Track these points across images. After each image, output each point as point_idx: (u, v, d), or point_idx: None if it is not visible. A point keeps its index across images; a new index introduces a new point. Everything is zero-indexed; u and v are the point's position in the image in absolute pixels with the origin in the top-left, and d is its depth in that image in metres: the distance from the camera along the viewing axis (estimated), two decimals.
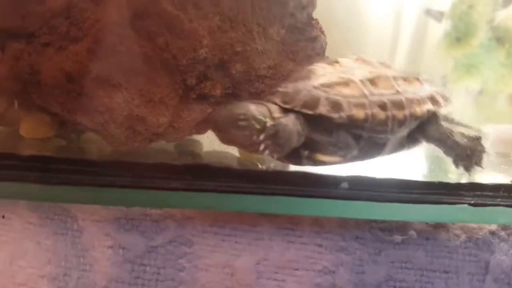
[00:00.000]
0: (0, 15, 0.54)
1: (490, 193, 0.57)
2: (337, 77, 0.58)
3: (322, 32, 0.65)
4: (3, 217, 0.57)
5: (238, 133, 0.53)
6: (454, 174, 0.65)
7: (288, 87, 0.57)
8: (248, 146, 0.55)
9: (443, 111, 0.66)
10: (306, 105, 0.55)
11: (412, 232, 0.57)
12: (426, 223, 0.58)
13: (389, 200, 0.54)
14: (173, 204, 0.55)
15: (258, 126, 0.53)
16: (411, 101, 0.58)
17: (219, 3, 0.56)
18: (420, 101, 0.59)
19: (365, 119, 0.55)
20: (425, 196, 0.55)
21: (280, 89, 0.57)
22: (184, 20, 0.54)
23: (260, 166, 0.67)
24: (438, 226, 0.58)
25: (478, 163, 0.63)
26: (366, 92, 0.57)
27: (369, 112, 0.55)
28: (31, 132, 0.63)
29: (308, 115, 0.55)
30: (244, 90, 0.58)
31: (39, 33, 0.55)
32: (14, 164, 0.53)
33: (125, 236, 0.55)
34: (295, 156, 0.57)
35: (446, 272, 0.58)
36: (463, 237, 0.58)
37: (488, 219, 0.58)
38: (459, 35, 0.96)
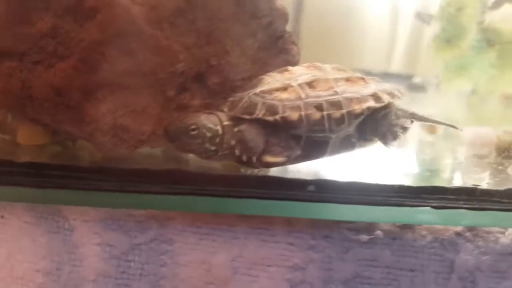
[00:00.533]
0: None
1: (452, 196, 0.59)
2: (278, 83, 0.62)
3: (295, 44, 0.69)
4: (2, 217, 0.61)
5: (191, 142, 0.58)
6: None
7: (236, 96, 0.62)
8: (202, 153, 0.60)
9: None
10: (245, 110, 0.60)
11: (378, 232, 0.60)
12: (393, 224, 0.61)
13: (354, 202, 0.58)
14: (155, 206, 0.59)
15: (209, 134, 0.59)
16: (350, 100, 0.62)
17: (194, 22, 0.61)
18: (360, 100, 0.62)
19: (300, 120, 0.59)
20: (388, 199, 0.58)
21: (230, 98, 0.62)
22: (161, 38, 0.59)
23: (242, 170, 0.71)
24: (405, 227, 0.61)
25: (398, 136, 0.66)
26: (302, 95, 0.60)
27: (303, 113, 0.59)
28: (27, 140, 0.68)
29: (251, 120, 0.59)
30: (221, 100, 0.62)
31: (30, 52, 0.60)
32: (11, 170, 0.58)
33: (112, 234, 0.59)
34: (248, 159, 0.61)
35: (412, 271, 0.60)
36: (429, 237, 0.61)
37: (451, 221, 0.60)
38: (448, 37, 0.97)
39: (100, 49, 0.57)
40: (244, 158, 0.60)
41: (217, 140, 0.60)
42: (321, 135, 0.61)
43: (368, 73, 0.69)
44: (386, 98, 0.64)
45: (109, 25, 0.56)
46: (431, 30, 0.98)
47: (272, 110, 0.59)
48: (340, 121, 0.61)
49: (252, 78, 0.64)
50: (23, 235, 0.61)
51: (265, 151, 0.61)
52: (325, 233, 0.60)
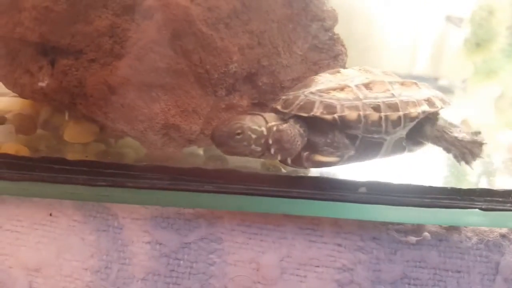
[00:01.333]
0: (52, 33, 0.60)
1: (500, 199, 0.60)
2: (334, 83, 0.62)
3: (343, 45, 0.69)
4: (50, 215, 0.62)
5: (237, 145, 0.58)
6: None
7: (290, 95, 0.62)
8: (248, 154, 0.60)
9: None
10: (302, 108, 0.60)
11: (426, 234, 0.61)
12: (440, 225, 0.62)
13: (404, 204, 0.58)
14: (205, 205, 0.60)
15: (254, 136, 0.59)
16: (406, 103, 0.62)
17: (248, 23, 0.61)
18: (416, 103, 0.63)
19: (358, 120, 0.60)
20: (438, 201, 0.59)
21: (283, 97, 0.62)
22: (217, 39, 0.59)
23: (283, 169, 0.71)
24: (451, 229, 0.62)
25: (479, 154, 0.66)
26: (360, 95, 0.61)
27: (361, 113, 0.59)
28: (74, 137, 0.68)
29: (307, 118, 0.59)
30: (269, 100, 0.62)
31: (86, 50, 0.60)
32: (63, 167, 0.58)
33: (162, 233, 0.60)
34: (296, 158, 0.62)
35: (458, 272, 0.61)
36: (474, 239, 0.62)
37: (498, 223, 0.61)
38: (479, 41, 0.98)
39: (157, 49, 0.57)
40: (279, 157, 0.60)
41: (262, 141, 0.60)
42: (377, 136, 0.61)
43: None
44: (439, 104, 0.65)
45: (167, 25, 0.56)
46: (461, 33, 0.98)
47: (330, 109, 0.59)
48: (397, 123, 0.61)
49: (300, 79, 0.64)
50: (71, 234, 0.61)
51: (316, 151, 0.61)
52: (374, 235, 0.60)
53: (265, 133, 0.59)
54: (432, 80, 1.09)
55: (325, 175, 0.61)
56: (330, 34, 0.67)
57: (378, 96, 0.61)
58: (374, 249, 0.60)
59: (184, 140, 0.64)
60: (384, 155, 0.64)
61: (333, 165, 0.62)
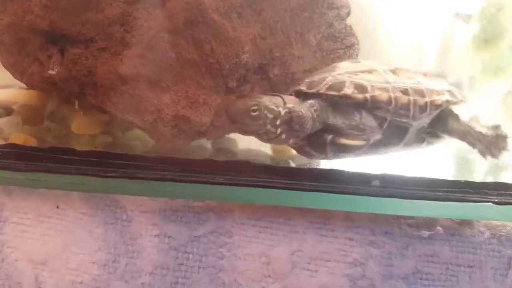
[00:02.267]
0: (62, 21, 0.59)
1: None
2: (360, 67, 0.62)
3: (356, 37, 0.69)
4: (58, 207, 0.61)
5: (252, 123, 0.57)
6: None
7: (314, 77, 0.61)
8: (263, 134, 0.59)
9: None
10: (331, 87, 0.59)
11: (439, 228, 0.60)
12: (452, 219, 0.61)
13: (417, 197, 0.58)
14: (215, 197, 0.59)
15: (270, 116, 0.57)
16: (431, 91, 0.63)
17: (261, 12, 0.60)
18: (439, 92, 0.63)
19: (389, 102, 0.59)
20: (451, 194, 0.58)
21: (307, 80, 0.61)
22: (229, 28, 0.59)
23: (292, 163, 0.70)
24: (464, 223, 0.61)
25: (505, 147, 0.67)
26: (389, 79, 0.61)
27: (392, 95, 0.59)
28: (83, 129, 0.68)
29: (332, 101, 0.59)
30: (281, 92, 0.61)
31: (96, 39, 0.59)
32: (71, 158, 0.58)
33: (171, 226, 0.59)
34: (319, 143, 0.61)
35: (470, 267, 0.60)
36: (487, 233, 0.61)
37: (511, 217, 0.60)
38: (488, 38, 0.97)
39: (168, 38, 0.56)
40: (291, 142, 0.59)
41: (278, 122, 0.58)
42: (405, 120, 0.61)
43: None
44: (459, 96, 0.65)
45: (179, 13, 0.55)
46: (470, 30, 0.98)
47: (361, 88, 0.59)
48: (423, 108, 0.61)
49: (312, 70, 0.63)
50: (78, 226, 0.60)
51: (341, 134, 0.60)
52: (385, 229, 0.60)
53: (282, 114, 0.58)
54: (441, 76, 1.09)
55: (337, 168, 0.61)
56: (345, 23, 0.66)
57: (406, 81, 0.62)
58: (386, 244, 0.60)
59: (194, 132, 0.63)
60: (406, 145, 0.64)
61: (358, 151, 0.61)
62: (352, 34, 0.68)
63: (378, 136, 0.61)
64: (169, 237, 0.59)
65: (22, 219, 0.60)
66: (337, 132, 0.60)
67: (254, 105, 0.57)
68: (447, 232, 0.60)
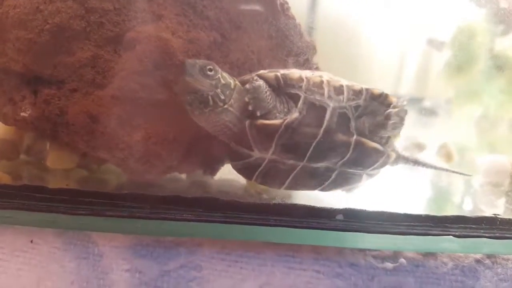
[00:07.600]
0: (35, 64, 0.61)
1: (474, 225, 0.62)
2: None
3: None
4: (32, 241, 0.62)
5: (204, 81, 0.59)
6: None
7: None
8: (210, 99, 0.60)
9: None
10: (259, 75, 0.63)
11: (402, 260, 0.62)
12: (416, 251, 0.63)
13: (380, 231, 0.59)
14: (184, 233, 0.60)
15: (223, 82, 0.61)
16: (351, 83, 0.66)
17: (229, 55, 0.63)
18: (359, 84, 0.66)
19: (300, 79, 0.62)
20: (413, 228, 0.60)
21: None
22: None
23: (264, 196, 0.72)
24: (427, 254, 0.63)
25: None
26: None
27: (303, 74, 0.63)
28: (57, 163, 0.69)
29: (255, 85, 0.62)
30: None
31: (68, 80, 0.61)
32: (43, 196, 0.59)
33: (141, 261, 0.60)
34: (242, 137, 0.63)
35: None
36: (450, 264, 0.63)
37: (472, 249, 0.62)
38: (460, 64, 0.99)
39: (138, 80, 0.58)
40: (258, 113, 0.61)
41: (228, 92, 0.61)
42: (318, 98, 0.63)
43: None
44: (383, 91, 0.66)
45: (148, 56, 0.58)
46: (443, 56, 1.00)
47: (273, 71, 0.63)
48: (339, 90, 0.64)
49: None
50: (52, 261, 0.61)
51: (258, 117, 0.62)
52: (351, 261, 0.61)
53: (232, 86, 0.62)
54: (416, 101, 1.11)
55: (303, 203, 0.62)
56: (308, 66, 0.69)
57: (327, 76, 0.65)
58: (352, 276, 0.61)
59: (165, 167, 0.65)
60: (330, 133, 0.63)
61: (277, 129, 0.62)
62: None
63: (295, 115, 0.62)
64: (139, 272, 0.60)
65: None
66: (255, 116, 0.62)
67: (212, 64, 0.60)
68: (411, 263, 0.62)
